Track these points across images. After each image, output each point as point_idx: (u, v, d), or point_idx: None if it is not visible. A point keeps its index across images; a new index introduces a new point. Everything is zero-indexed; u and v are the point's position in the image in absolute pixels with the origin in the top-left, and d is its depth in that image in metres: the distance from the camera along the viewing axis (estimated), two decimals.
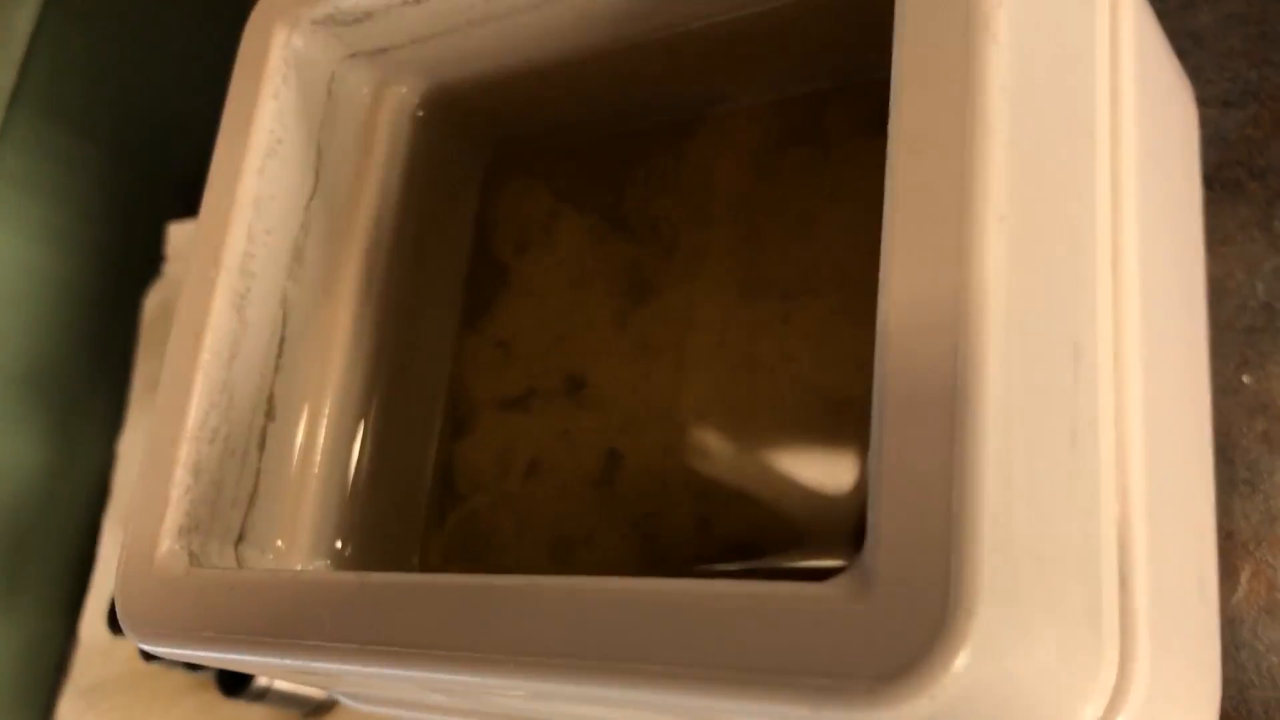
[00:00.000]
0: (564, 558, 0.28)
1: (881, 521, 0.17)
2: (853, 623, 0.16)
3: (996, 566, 0.16)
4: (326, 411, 0.28)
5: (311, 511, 0.27)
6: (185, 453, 0.26)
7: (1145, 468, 0.21)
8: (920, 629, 0.16)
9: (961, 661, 0.16)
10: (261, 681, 0.39)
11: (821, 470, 0.25)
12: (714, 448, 0.27)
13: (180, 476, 0.25)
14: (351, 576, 0.22)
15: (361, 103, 0.30)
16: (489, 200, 0.32)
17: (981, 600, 0.16)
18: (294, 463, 0.28)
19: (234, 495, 0.27)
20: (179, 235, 0.51)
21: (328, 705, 0.41)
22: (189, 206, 0.57)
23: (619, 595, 0.18)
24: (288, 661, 0.22)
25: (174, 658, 0.25)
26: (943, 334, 0.17)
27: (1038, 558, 0.17)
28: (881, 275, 0.18)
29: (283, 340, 0.28)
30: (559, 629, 0.19)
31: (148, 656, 0.43)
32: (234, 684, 0.40)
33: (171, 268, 0.50)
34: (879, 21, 0.25)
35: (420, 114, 0.31)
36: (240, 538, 0.27)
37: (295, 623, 0.22)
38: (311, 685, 0.39)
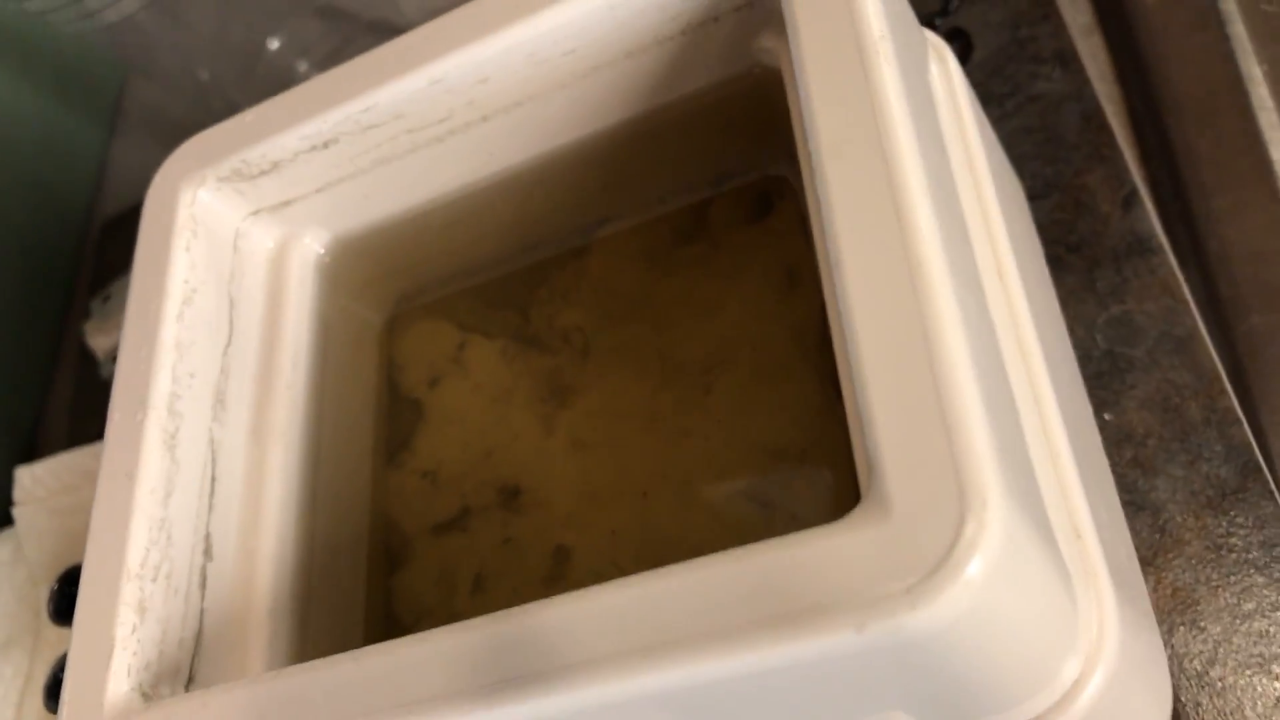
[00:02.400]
0: None
1: (883, 452, 0.18)
2: (880, 543, 0.18)
3: (996, 469, 0.18)
4: (262, 550, 0.28)
5: (259, 653, 0.26)
6: (128, 591, 0.25)
7: (1065, 433, 0.24)
8: (944, 528, 0.17)
9: (987, 548, 0.17)
10: None
11: (770, 514, 0.27)
12: (662, 519, 0.28)
13: (125, 615, 0.24)
14: (346, 656, 0.21)
15: (267, 256, 0.31)
16: (395, 342, 0.33)
17: (992, 491, 0.17)
18: (236, 603, 0.27)
19: (180, 635, 0.25)
20: (26, 478, 0.48)
21: None
22: (30, 452, 0.55)
23: (657, 582, 0.19)
24: None
25: None
26: (902, 287, 0.19)
27: (1023, 472, 0.19)
28: (829, 256, 0.20)
29: (214, 479, 0.28)
30: (599, 631, 0.19)
31: None
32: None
33: (21, 512, 0.48)
34: (750, 121, 0.28)
35: (325, 263, 0.32)
36: (190, 680, 0.25)
37: (294, 712, 0.21)
38: None
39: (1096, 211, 0.36)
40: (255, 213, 0.31)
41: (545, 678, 0.19)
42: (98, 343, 0.53)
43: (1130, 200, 0.36)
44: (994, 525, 0.17)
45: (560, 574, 0.28)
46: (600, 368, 0.30)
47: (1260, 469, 0.31)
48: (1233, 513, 0.31)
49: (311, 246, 0.32)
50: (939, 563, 0.17)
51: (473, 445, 0.31)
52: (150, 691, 0.24)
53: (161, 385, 0.27)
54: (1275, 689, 0.29)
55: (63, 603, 0.36)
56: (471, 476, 0.30)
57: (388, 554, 0.30)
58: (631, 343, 0.30)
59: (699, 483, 0.28)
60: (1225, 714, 0.29)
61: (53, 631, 0.43)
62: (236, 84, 0.49)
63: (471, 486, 0.30)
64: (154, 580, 0.25)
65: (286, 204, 0.31)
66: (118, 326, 0.52)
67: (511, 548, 0.29)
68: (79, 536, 0.41)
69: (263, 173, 0.30)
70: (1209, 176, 0.36)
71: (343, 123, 0.28)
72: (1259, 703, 0.29)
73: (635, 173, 0.31)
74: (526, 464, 0.30)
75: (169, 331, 0.28)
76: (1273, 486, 0.31)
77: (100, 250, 0.59)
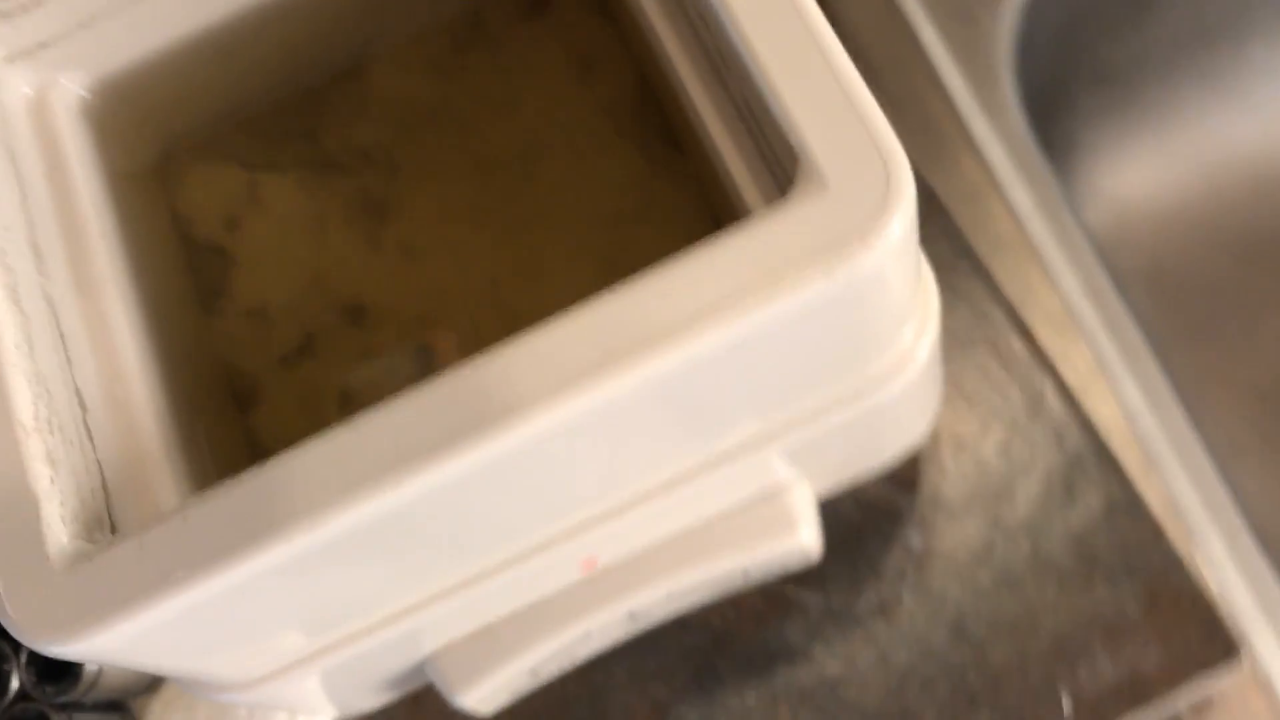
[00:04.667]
0: None
1: (808, 139, 0.22)
2: (826, 209, 0.21)
3: (893, 142, 0.22)
4: (132, 399, 0.27)
5: (169, 495, 0.26)
6: (32, 445, 0.23)
7: None
8: (875, 190, 0.21)
9: (906, 202, 0.21)
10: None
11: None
12: (520, 303, 0.30)
13: (38, 470, 0.23)
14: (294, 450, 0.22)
15: (27, 105, 0.29)
16: (177, 192, 0.32)
17: (902, 158, 0.22)
18: (128, 452, 0.26)
19: (91, 485, 0.24)
20: None
21: None
22: None
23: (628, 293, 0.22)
24: (283, 553, 0.21)
25: (123, 635, 0.22)
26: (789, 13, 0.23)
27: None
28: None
29: (62, 335, 0.26)
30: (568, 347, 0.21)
31: None
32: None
33: None
34: None
35: (92, 107, 0.30)
36: (114, 529, 0.24)
37: (273, 512, 0.21)
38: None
39: None
40: (9, 58, 0.28)
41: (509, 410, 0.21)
42: None
43: None
44: (908, 185, 0.21)
45: (429, 370, 0.30)
46: (413, 180, 0.31)
47: None
48: None
49: (72, 90, 0.30)
50: (876, 213, 0.21)
51: (297, 276, 0.31)
52: (89, 539, 0.23)
53: None
54: None
55: None
56: (306, 305, 0.31)
57: (235, 398, 0.30)
58: (438, 151, 0.31)
59: (546, 263, 0.30)
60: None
61: None
62: None
63: (309, 314, 0.30)
64: (51, 433, 0.24)
65: (43, 46, 0.29)
66: None
67: (373, 362, 0.30)
68: None
69: (21, 9, 0.27)
70: None
71: None
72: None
73: None
74: (362, 281, 0.31)
75: None
76: None
77: None
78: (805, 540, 0.29)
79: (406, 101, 0.32)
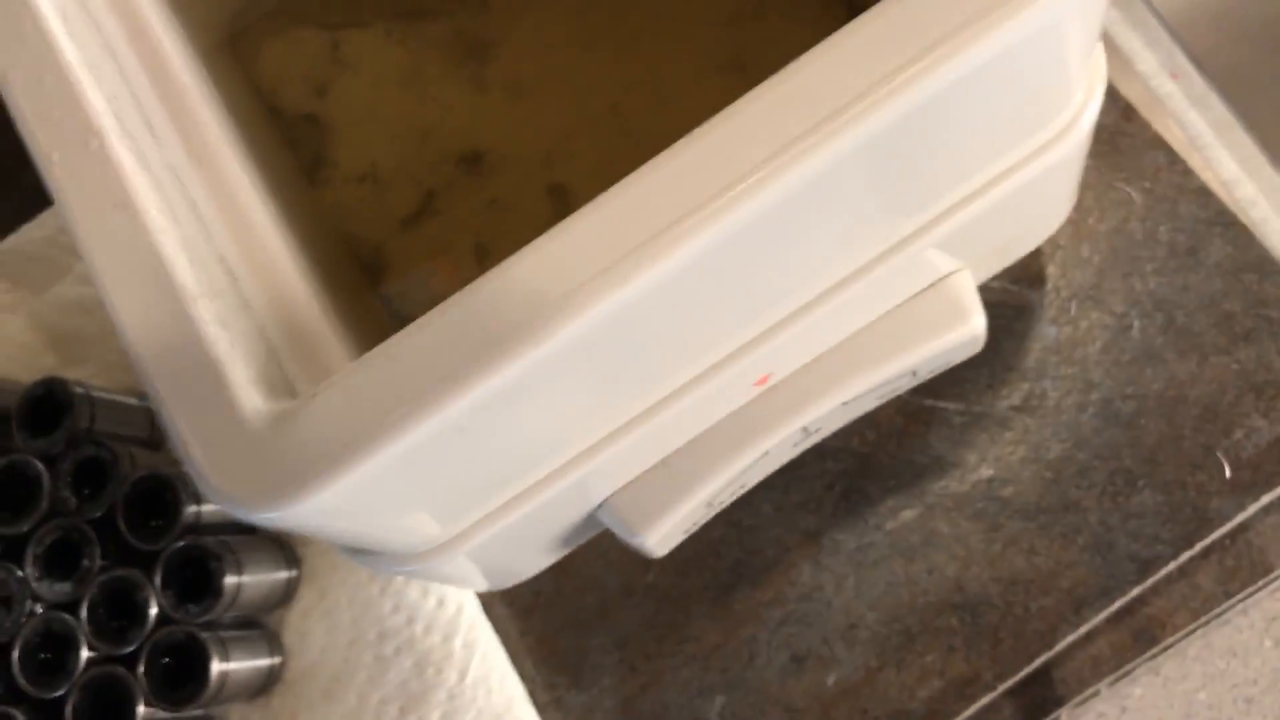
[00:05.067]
0: None
1: None
2: None
3: None
4: (275, 267, 0.25)
5: (338, 355, 0.24)
6: (203, 308, 0.22)
7: None
8: None
9: None
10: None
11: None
12: (646, 123, 0.28)
13: (215, 333, 0.21)
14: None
15: None
16: (257, 62, 0.30)
17: None
18: (284, 318, 0.24)
19: (264, 349, 0.23)
20: None
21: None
22: None
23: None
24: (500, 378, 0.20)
25: (338, 491, 0.21)
26: None
27: None
28: None
29: (194, 203, 0.24)
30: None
31: None
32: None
33: None
34: None
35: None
36: (286, 383, 0.23)
37: (500, 329, 0.20)
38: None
39: None
40: None
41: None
42: None
43: None
44: None
45: (566, 211, 0.28)
46: (508, 10, 0.29)
47: None
48: None
49: None
50: None
51: (402, 134, 0.29)
52: (280, 397, 0.22)
53: (98, 106, 0.23)
54: None
55: None
56: (418, 161, 0.29)
57: (365, 270, 0.28)
58: None
59: (667, 78, 0.28)
60: None
61: None
62: None
63: (423, 170, 0.29)
64: (215, 297, 0.22)
65: None
66: None
67: (500, 207, 0.28)
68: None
69: None
70: None
71: None
72: None
73: None
74: (473, 128, 0.29)
75: (70, 51, 0.23)
76: None
77: None
78: (977, 326, 0.28)
79: None
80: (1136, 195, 0.35)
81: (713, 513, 0.30)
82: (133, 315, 0.21)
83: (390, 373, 0.21)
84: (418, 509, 0.24)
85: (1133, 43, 0.41)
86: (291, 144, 0.29)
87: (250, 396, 0.21)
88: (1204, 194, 0.35)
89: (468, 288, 0.21)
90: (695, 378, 0.26)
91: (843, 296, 0.26)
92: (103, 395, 0.36)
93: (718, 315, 0.25)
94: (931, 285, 0.28)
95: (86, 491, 0.34)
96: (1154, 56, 0.41)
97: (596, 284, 0.20)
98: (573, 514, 0.29)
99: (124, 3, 0.27)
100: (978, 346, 0.29)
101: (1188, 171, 0.35)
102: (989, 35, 0.20)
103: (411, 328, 0.21)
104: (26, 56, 0.23)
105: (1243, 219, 0.37)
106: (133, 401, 0.37)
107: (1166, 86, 0.40)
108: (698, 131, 0.21)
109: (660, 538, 0.29)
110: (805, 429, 0.29)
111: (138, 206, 0.22)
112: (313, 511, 0.21)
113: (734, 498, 0.30)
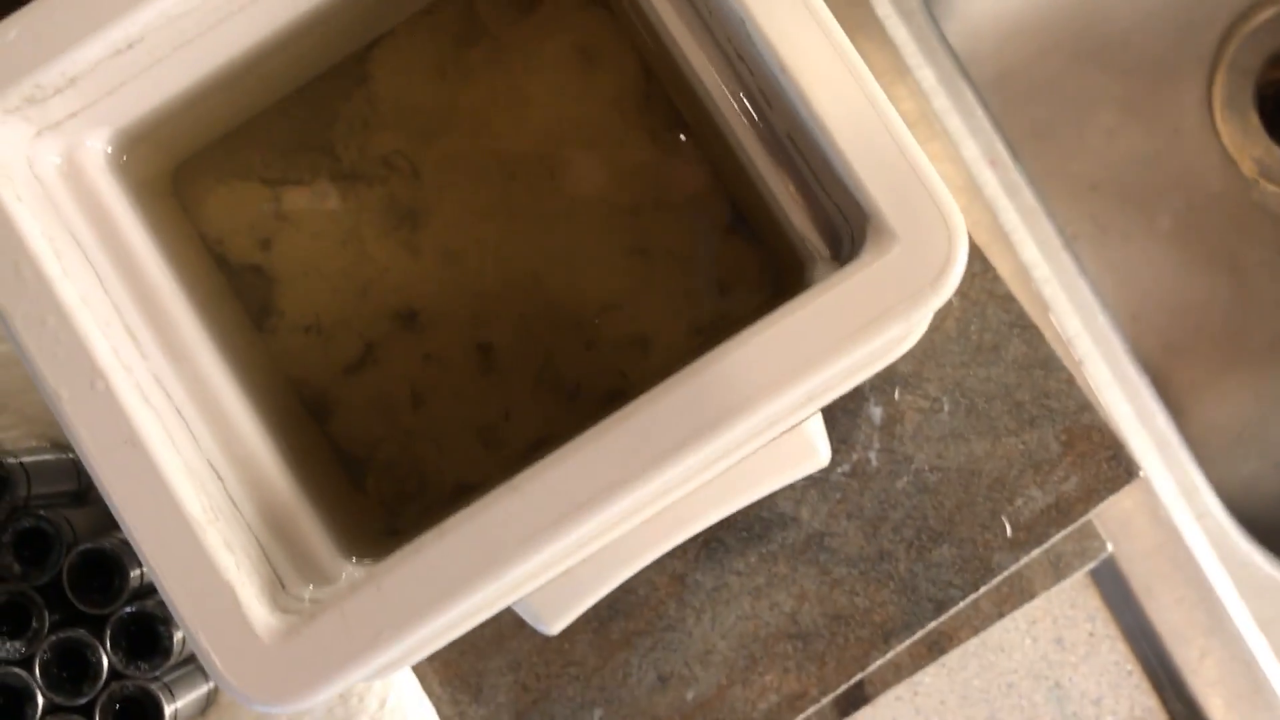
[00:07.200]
0: (500, 443, 0.32)
1: (877, 201, 0.25)
2: (900, 263, 0.25)
3: (948, 196, 0.26)
4: (250, 458, 0.29)
5: (319, 541, 0.29)
6: (211, 537, 0.26)
7: None
8: (940, 244, 0.25)
9: (963, 242, 0.26)
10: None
11: (654, 259, 0.33)
12: (563, 292, 0.33)
13: (224, 559, 0.26)
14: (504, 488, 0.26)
15: (59, 172, 0.29)
16: (200, 216, 0.33)
17: (956, 210, 0.26)
18: (265, 509, 0.28)
19: (257, 553, 0.27)
20: None
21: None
22: None
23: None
24: (506, 579, 0.25)
25: (338, 687, 0.26)
26: (842, 73, 0.26)
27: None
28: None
29: (179, 412, 0.28)
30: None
31: None
32: None
33: None
34: None
35: (120, 162, 0.30)
36: (283, 585, 0.27)
37: (483, 547, 0.25)
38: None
39: None
40: (39, 134, 0.28)
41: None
42: None
43: None
44: (962, 230, 0.26)
45: (491, 366, 0.33)
46: (438, 183, 0.33)
47: None
48: None
49: (98, 148, 0.30)
50: (945, 263, 0.25)
51: (343, 288, 0.33)
52: (281, 609, 0.26)
53: (101, 345, 0.26)
54: None
55: None
56: (358, 316, 0.33)
57: (310, 411, 0.32)
58: (458, 152, 0.33)
59: (581, 253, 0.33)
60: None
61: None
62: None
63: (363, 324, 0.33)
64: (215, 523, 0.26)
65: (72, 115, 0.28)
66: None
67: (434, 361, 0.33)
68: None
69: (58, 91, 0.27)
70: None
71: (154, 19, 0.27)
72: None
73: None
74: (408, 287, 0.33)
75: (67, 291, 0.26)
76: None
77: None
78: (823, 458, 0.35)
79: (415, 106, 0.33)
80: (955, 300, 0.42)
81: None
82: (154, 549, 0.25)
83: (377, 601, 0.26)
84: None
85: (960, 128, 0.47)
86: (238, 292, 0.33)
87: (260, 615, 0.26)
88: (1008, 300, 0.42)
89: (434, 530, 0.26)
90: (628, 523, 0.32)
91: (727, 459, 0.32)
92: (32, 460, 0.39)
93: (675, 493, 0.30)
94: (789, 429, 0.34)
95: (27, 554, 0.38)
96: (976, 145, 0.47)
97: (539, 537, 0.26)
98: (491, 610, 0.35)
99: (85, 193, 0.29)
100: (824, 465, 0.36)
101: (996, 279, 0.42)
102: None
103: (391, 560, 0.26)
104: (27, 308, 0.26)
105: (1041, 298, 0.45)
106: (59, 456, 0.40)
107: (985, 174, 0.47)
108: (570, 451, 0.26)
109: (561, 626, 0.35)
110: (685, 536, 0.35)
111: (145, 445, 0.26)
112: (312, 704, 0.26)
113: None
